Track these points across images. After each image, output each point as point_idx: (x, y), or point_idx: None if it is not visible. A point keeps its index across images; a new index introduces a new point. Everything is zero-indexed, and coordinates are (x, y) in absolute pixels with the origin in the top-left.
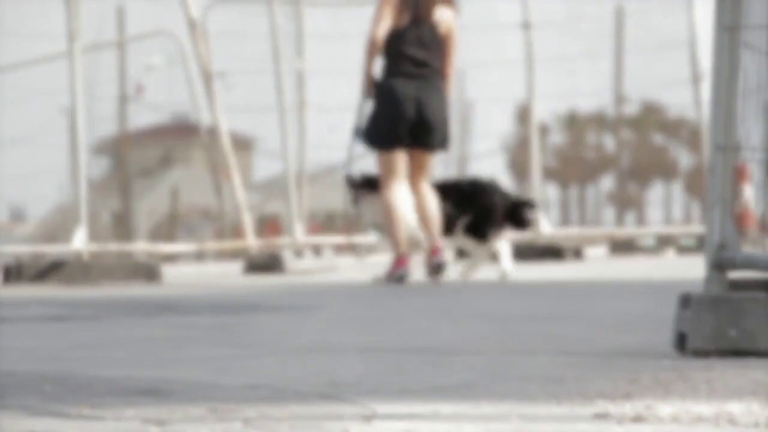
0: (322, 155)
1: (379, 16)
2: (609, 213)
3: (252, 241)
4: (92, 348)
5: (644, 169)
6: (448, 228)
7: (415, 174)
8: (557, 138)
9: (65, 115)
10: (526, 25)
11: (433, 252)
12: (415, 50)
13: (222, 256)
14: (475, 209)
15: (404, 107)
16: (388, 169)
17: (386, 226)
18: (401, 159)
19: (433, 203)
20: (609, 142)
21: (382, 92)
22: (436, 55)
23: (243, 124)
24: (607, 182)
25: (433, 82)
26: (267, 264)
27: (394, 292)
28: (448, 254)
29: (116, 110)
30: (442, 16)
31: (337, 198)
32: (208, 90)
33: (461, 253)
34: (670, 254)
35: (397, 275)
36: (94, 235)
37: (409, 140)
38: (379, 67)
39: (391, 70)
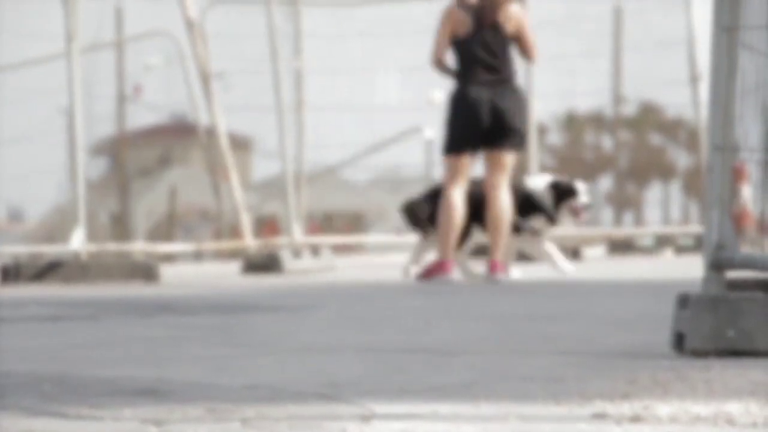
0: (320, 155)
1: (439, 36)
2: (607, 213)
3: (250, 241)
4: (91, 348)
5: (642, 169)
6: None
7: (492, 175)
8: (555, 138)
9: (64, 115)
10: None
11: (490, 267)
12: (484, 56)
13: (220, 256)
14: None
15: (479, 113)
16: (453, 173)
17: (438, 225)
18: (467, 163)
19: (503, 212)
20: (607, 143)
21: (455, 99)
22: (504, 60)
23: (241, 125)
24: (605, 182)
25: (506, 85)
26: (265, 264)
27: (393, 292)
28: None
29: (114, 110)
30: (508, 15)
31: (335, 198)
32: (207, 90)
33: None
34: (668, 254)
35: (438, 281)
36: (92, 235)
37: (482, 144)
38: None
39: (464, 77)
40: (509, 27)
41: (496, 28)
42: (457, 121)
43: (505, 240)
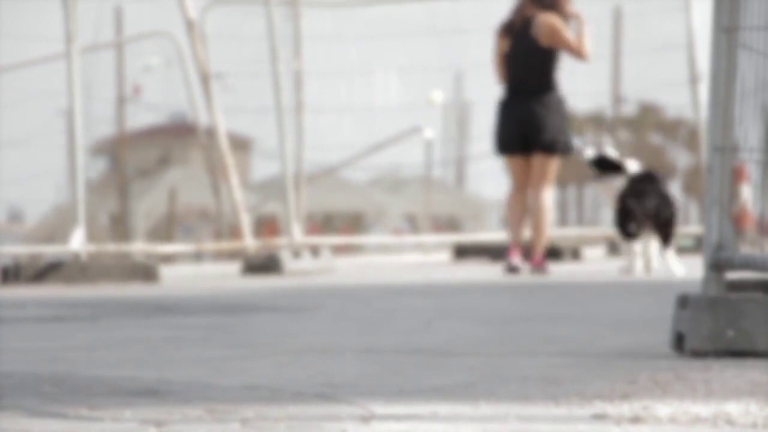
0: (320, 156)
1: (494, 55)
2: (607, 213)
3: (250, 242)
4: (90, 349)
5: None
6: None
7: (532, 178)
8: None
9: (63, 116)
10: None
11: (532, 261)
12: (513, 69)
13: (220, 256)
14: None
15: (508, 121)
16: (510, 175)
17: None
18: (514, 167)
19: (539, 213)
20: (607, 143)
21: (496, 108)
22: (536, 72)
23: (241, 125)
24: None
25: (534, 93)
26: (265, 265)
27: (393, 292)
28: None
29: (114, 111)
30: (539, 25)
31: (335, 199)
32: (206, 91)
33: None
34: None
35: (506, 266)
36: (92, 236)
37: (514, 149)
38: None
39: (504, 89)
40: (541, 38)
41: (527, 41)
42: (495, 127)
43: (544, 238)
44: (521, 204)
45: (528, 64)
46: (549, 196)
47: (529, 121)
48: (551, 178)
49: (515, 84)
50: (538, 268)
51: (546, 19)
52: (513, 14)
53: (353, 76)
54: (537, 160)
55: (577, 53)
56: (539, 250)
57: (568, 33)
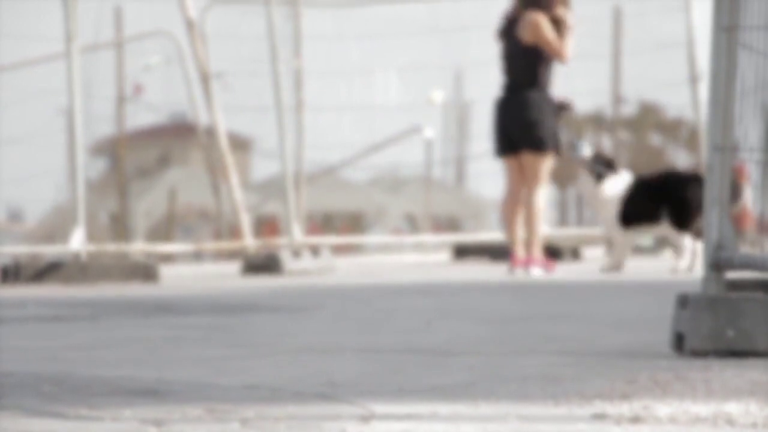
0: (320, 155)
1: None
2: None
3: (250, 242)
4: (90, 348)
5: (642, 169)
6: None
7: (524, 177)
8: None
9: (63, 115)
10: None
11: (525, 261)
12: (504, 66)
13: (220, 256)
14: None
15: (497, 119)
16: (505, 177)
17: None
18: (509, 168)
19: (531, 215)
20: (607, 143)
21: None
22: (519, 68)
23: (241, 125)
24: None
25: (515, 92)
26: (265, 264)
27: (393, 292)
28: None
29: (114, 111)
30: (524, 25)
31: (335, 198)
32: (206, 90)
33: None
34: (667, 254)
35: (510, 270)
36: (91, 236)
37: (505, 150)
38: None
39: (499, 88)
40: (525, 36)
41: (513, 40)
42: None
43: (538, 238)
44: (515, 206)
45: (514, 63)
46: (541, 196)
47: (513, 121)
48: (543, 178)
49: (505, 84)
50: (535, 268)
51: (530, 17)
52: (506, 15)
53: (353, 76)
54: (526, 160)
55: (556, 53)
56: (534, 251)
57: (551, 32)
